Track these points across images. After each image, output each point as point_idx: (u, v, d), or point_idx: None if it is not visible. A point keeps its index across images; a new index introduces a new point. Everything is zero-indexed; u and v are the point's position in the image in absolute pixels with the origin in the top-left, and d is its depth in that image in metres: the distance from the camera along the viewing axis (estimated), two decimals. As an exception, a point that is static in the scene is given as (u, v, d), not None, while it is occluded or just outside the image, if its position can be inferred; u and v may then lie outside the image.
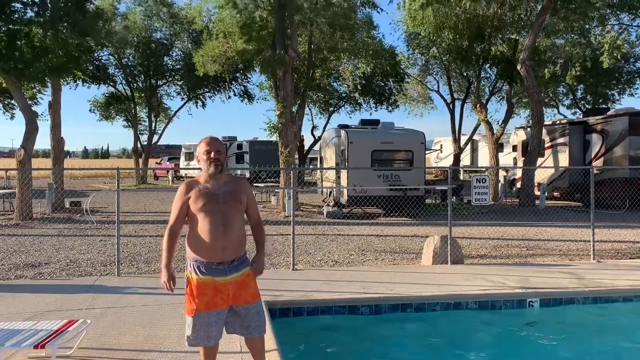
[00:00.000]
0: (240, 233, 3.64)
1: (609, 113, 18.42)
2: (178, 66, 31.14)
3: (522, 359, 5.28)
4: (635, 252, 9.62)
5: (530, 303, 6.40)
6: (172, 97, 35.01)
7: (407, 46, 25.95)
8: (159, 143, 37.24)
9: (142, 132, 34.12)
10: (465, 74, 26.16)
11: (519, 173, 19.81)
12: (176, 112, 34.73)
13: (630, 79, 28.08)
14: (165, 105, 35.37)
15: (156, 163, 42.56)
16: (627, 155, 16.52)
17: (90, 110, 33.47)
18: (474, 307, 6.35)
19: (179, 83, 32.48)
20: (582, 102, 29.53)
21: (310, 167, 33.38)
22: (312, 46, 19.46)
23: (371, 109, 29.93)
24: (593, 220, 8.83)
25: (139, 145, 33.39)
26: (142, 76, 31.70)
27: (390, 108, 29.43)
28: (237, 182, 3.74)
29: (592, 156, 17.80)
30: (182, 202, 3.60)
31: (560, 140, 18.98)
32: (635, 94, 28.55)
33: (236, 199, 3.62)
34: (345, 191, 15.52)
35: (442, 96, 29.31)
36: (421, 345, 5.62)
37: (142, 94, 32.49)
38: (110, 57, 29.60)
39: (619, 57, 18.33)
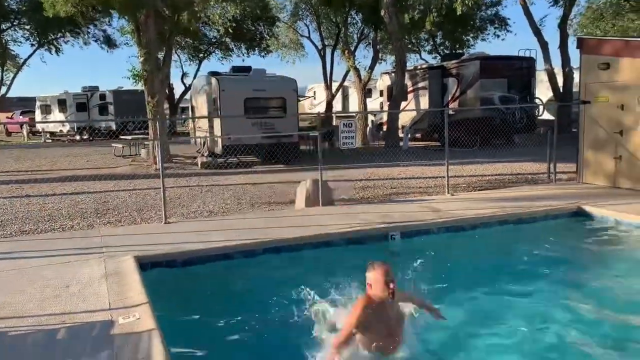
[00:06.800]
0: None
1: (463, 58, 19.79)
2: (24, 8, 27.70)
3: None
4: (483, 185, 10.77)
5: (392, 236, 6.97)
6: (19, 43, 31.34)
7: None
8: (8, 95, 33.41)
9: (-13, 82, 30.34)
10: (334, 20, 26.39)
11: (385, 117, 20.78)
12: (26, 60, 31.24)
13: (482, 25, 30.22)
14: (13, 52, 31.60)
15: (7, 117, 38.19)
16: (478, 96, 18.06)
17: None
18: (342, 244, 6.78)
19: (27, 27, 29.08)
20: (441, 47, 31.32)
21: (183, 117, 32.13)
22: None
23: (243, 55, 29.36)
24: (447, 158, 9.68)
25: (-17, 98, 29.75)
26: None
27: (262, 54, 29.06)
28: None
29: (449, 98, 19.20)
30: (357, 322, 3.80)
31: (421, 84, 20.16)
32: (487, 39, 30.68)
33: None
34: (219, 140, 15.29)
35: (313, 42, 29.38)
36: (294, 284, 5.89)
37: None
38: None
39: (470, 4, 19.56)
